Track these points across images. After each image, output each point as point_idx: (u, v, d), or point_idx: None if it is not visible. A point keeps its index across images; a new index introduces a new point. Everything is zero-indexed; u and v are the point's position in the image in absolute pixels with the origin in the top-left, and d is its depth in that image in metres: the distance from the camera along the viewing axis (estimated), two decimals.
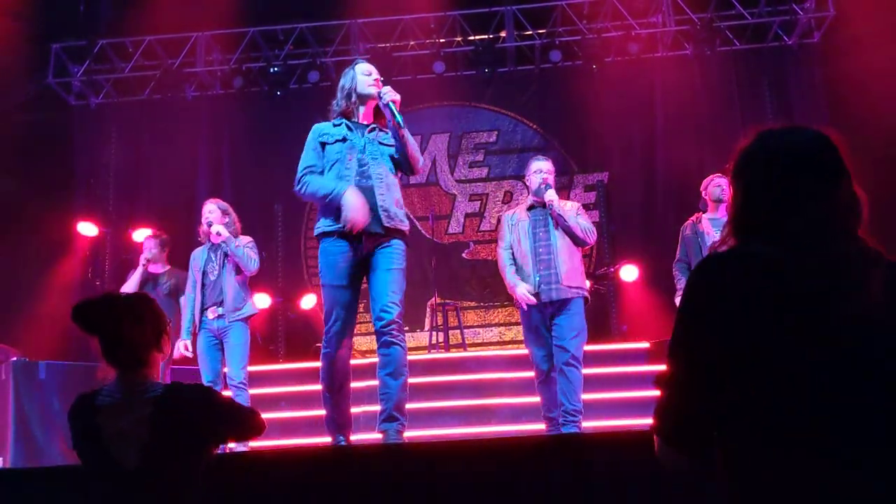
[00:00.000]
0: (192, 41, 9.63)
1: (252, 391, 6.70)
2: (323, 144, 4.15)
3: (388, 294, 3.93)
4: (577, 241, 5.25)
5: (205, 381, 5.53)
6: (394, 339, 3.91)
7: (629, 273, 8.51)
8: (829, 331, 1.46)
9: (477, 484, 3.03)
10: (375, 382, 4.03)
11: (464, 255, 9.91)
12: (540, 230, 5.29)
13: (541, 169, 5.41)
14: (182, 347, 5.71)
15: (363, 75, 4.29)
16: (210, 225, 5.78)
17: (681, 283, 5.77)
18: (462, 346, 8.28)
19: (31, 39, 8.92)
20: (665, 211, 9.13)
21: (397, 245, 4.05)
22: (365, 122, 4.27)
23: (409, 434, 4.11)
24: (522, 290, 5.17)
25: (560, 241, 5.23)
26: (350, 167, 4.07)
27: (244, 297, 5.78)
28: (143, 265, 6.59)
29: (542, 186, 5.32)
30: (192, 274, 5.88)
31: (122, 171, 9.90)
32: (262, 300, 9.16)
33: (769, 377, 1.47)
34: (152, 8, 9.05)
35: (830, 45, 9.01)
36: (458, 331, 8.41)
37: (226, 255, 5.73)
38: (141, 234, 8.93)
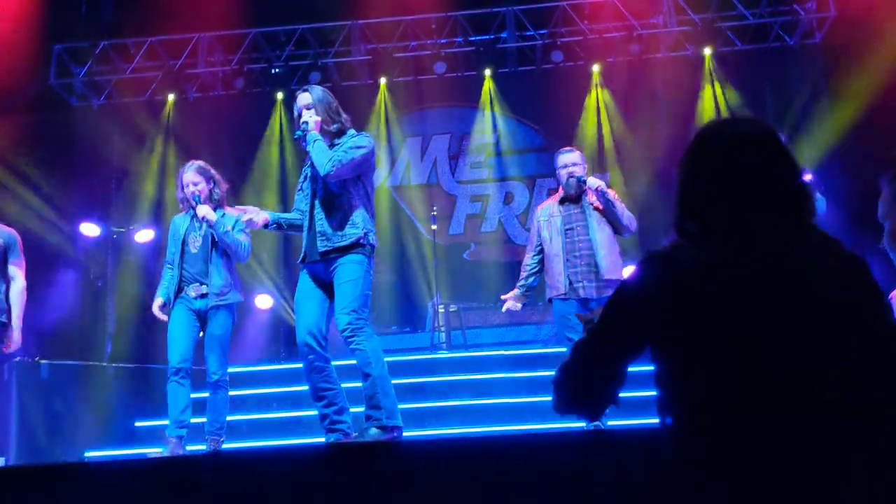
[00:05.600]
0: (193, 42, 9.64)
1: (254, 391, 6.70)
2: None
3: (336, 309, 4.03)
4: (620, 228, 5.05)
5: (172, 364, 4.79)
6: (351, 346, 3.97)
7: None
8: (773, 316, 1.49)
9: (482, 482, 3.04)
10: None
11: (465, 255, 9.92)
12: (576, 225, 5.06)
13: (566, 163, 5.15)
14: (157, 305, 4.96)
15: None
16: (196, 202, 4.92)
17: None
18: (464, 346, 8.29)
19: (34, 41, 8.94)
20: (667, 212, 9.12)
21: (344, 261, 4.06)
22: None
23: (410, 433, 4.13)
24: (509, 295, 5.22)
25: (599, 233, 5.01)
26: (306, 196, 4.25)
27: (231, 281, 4.97)
28: None
29: (571, 181, 5.08)
30: (171, 243, 5.07)
31: (123, 171, 9.92)
32: (264, 301, 9.20)
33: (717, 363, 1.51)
34: (154, 9, 9.07)
35: (832, 46, 9.01)
36: (460, 331, 8.42)
37: (211, 226, 4.91)
38: (143, 236, 8.99)
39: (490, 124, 10.14)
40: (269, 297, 9.19)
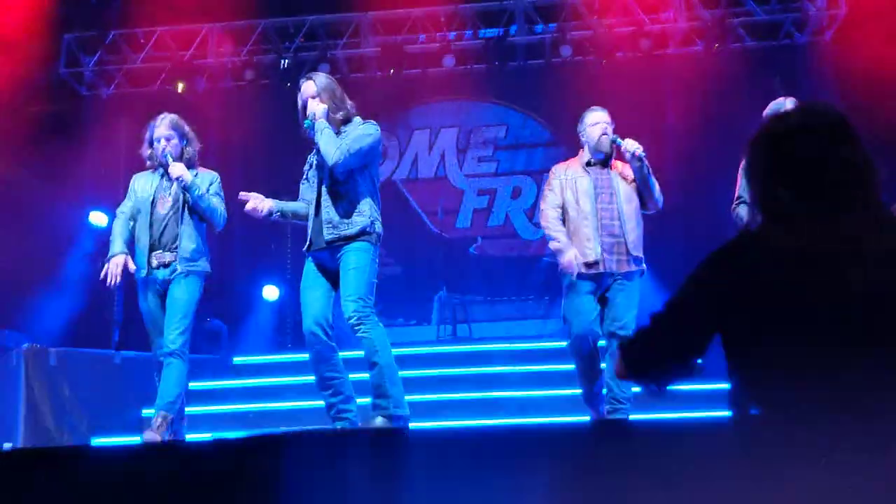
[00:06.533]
0: (202, 33, 9.66)
1: (261, 380, 6.72)
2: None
3: (342, 297, 4.03)
4: (649, 202, 4.60)
5: (155, 350, 4.44)
6: (358, 333, 3.98)
7: None
8: (837, 297, 1.50)
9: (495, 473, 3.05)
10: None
11: (472, 249, 9.93)
12: (603, 192, 4.54)
13: (598, 120, 4.64)
14: (121, 262, 4.39)
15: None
16: (168, 159, 4.44)
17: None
18: (469, 339, 8.31)
19: (44, 30, 8.97)
20: (674, 208, 9.12)
21: (350, 249, 4.06)
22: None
23: (416, 425, 4.15)
24: (571, 256, 4.38)
25: (626, 205, 4.53)
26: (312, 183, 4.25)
27: (203, 249, 4.51)
28: None
29: (604, 139, 4.56)
30: (132, 201, 4.54)
31: (133, 161, 9.94)
32: (270, 292, 9.24)
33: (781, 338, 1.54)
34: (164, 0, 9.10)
35: (842, 43, 8.98)
36: (466, 324, 8.44)
37: (185, 188, 4.43)
38: None
39: (498, 118, 10.14)
40: (276, 288, 9.22)
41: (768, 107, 4.67)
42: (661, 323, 1.72)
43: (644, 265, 4.63)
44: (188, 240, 4.42)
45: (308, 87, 4.18)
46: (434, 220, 9.31)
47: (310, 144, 4.24)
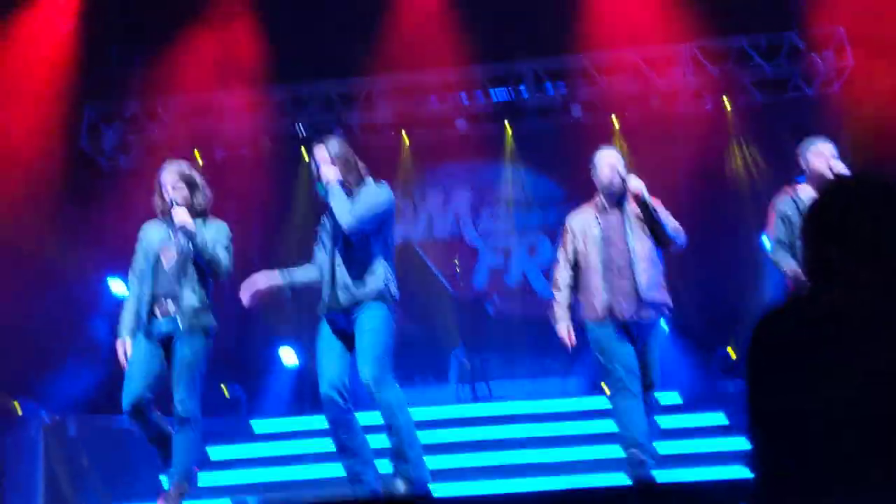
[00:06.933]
0: (219, 102, 9.85)
1: (280, 445, 6.67)
2: None
3: (358, 359, 4.03)
4: (665, 240, 4.45)
5: (126, 403, 4.11)
6: (375, 397, 3.96)
7: None
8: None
9: None
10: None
11: (488, 308, 9.91)
12: (614, 237, 4.41)
13: (608, 158, 4.59)
14: (121, 351, 4.28)
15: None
16: (172, 205, 4.30)
17: (790, 266, 4.41)
18: (488, 398, 8.24)
19: (65, 102, 9.19)
20: (687, 263, 9.10)
21: (365, 311, 4.07)
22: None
23: (434, 487, 4.09)
24: (563, 329, 4.42)
25: (640, 244, 4.37)
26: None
27: (207, 302, 4.32)
28: None
29: (614, 179, 4.46)
30: (140, 254, 4.41)
31: None
32: (287, 355, 9.23)
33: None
34: (182, 70, 9.32)
35: (850, 95, 9.04)
36: (484, 383, 8.38)
37: (187, 236, 4.28)
38: None
39: (512, 177, 10.22)
40: (293, 350, 9.22)
41: (802, 143, 4.62)
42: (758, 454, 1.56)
43: (666, 308, 4.44)
44: (191, 294, 4.24)
45: (321, 152, 4.23)
46: (450, 279, 9.32)
47: (325, 207, 4.28)
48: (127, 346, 4.25)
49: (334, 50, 9.29)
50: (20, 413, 6.66)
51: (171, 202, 4.30)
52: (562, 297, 4.50)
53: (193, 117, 9.88)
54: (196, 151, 10.00)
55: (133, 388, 4.14)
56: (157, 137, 9.99)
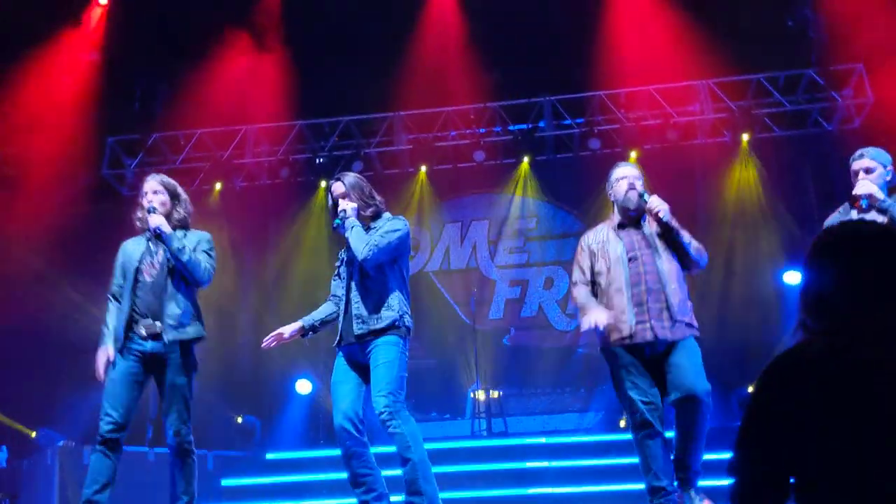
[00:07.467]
0: (241, 134, 9.97)
1: (295, 477, 6.63)
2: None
3: (373, 391, 4.02)
4: (688, 262, 4.16)
5: (104, 425, 4.01)
6: (389, 429, 3.94)
7: None
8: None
9: None
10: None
11: (505, 340, 9.87)
12: (640, 254, 4.12)
13: (626, 175, 4.22)
14: (103, 360, 4.09)
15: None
16: (151, 211, 4.18)
17: None
18: (505, 434, 8.16)
19: (88, 133, 9.33)
20: (707, 298, 9.04)
21: (380, 343, 4.07)
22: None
23: None
24: (593, 317, 3.97)
25: (667, 264, 4.10)
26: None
27: (191, 313, 4.20)
28: None
29: (632, 194, 4.15)
30: (120, 271, 4.27)
31: None
32: (303, 386, 9.20)
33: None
34: (204, 103, 9.45)
35: (871, 131, 9.01)
36: (501, 418, 8.31)
37: (162, 239, 4.16)
38: None
39: (529, 210, 10.24)
40: (308, 382, 9.21)
41: (853, 157, 4.15)
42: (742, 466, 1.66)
43: (697, 331, 4.10)
44: (174, 305, 4.12)
45: (338, 187, 4.31)
46: (466, 311, 9.30)
47: (343, 241, 4.32)
48: (110, 353, 4.09)
49: (356, 84, 9.40)
50: (36, 439, 6.67)
51: (150, 209, 4.20)
52: (584, 295, 4.16)
53: (215, 148, 9.98)
54: (218, 183, 10.10)
55: (115, 411, 4.03)
56: (178, 168, 10.10)
